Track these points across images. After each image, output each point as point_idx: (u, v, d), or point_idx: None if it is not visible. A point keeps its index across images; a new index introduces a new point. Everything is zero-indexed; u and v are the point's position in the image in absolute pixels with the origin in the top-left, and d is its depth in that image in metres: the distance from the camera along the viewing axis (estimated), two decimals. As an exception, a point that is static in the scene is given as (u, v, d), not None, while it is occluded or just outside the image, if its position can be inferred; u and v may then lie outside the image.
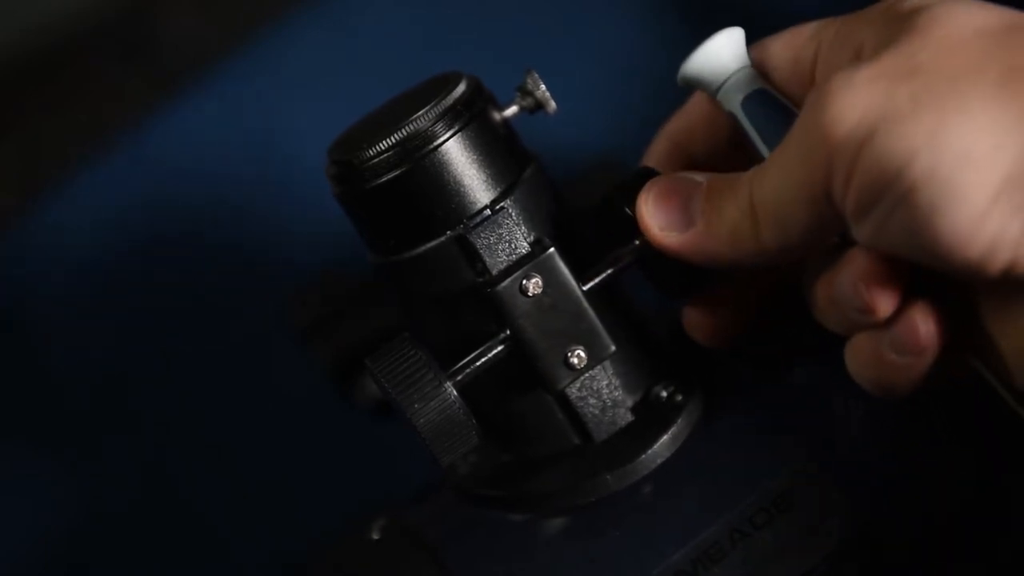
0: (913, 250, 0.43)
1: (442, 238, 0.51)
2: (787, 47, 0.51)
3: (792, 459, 0.51)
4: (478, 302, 0.51)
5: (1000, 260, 0.42)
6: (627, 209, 0.52)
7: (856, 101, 0.42)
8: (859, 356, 0.47)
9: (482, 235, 0.51)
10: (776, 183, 0.46)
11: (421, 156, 0.51)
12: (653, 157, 0.55)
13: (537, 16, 0.85)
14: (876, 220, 0.43)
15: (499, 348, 0.51)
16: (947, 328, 0.46)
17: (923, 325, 0.46)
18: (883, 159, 0.42)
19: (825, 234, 0.46)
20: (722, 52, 0.50)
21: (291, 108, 0.84)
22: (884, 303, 0.46)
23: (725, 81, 0.50)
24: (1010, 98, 0.41)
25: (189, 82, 0.85)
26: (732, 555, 0.50)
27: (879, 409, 0.52)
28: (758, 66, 0.51)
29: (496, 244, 0.51)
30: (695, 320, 0.54)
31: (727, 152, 0.53)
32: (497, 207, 0.51)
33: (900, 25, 0.45)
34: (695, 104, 0.54)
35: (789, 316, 0.53)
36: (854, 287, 0.46)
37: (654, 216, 0.50)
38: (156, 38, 0.93)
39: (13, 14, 0.96)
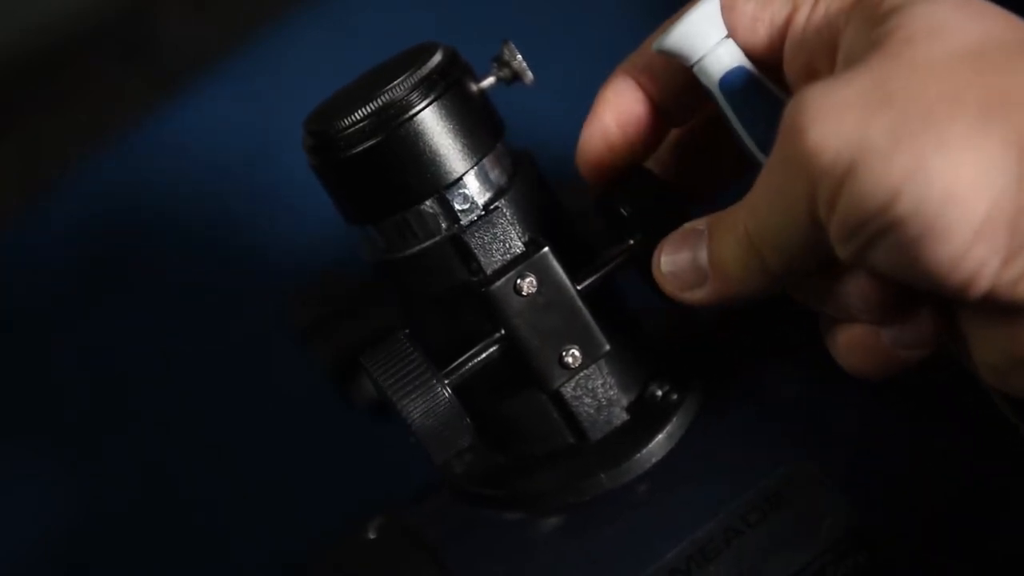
0: (895, 272, 0.44)
1: (437, 238, 0.51)
2: (760, 8, 0.50)
3: (787, 457, 0.51)
4: (474, 302, 0.51)
5: (979, 288, 0.42)
6: (622, 209, 0.52)
7: (833, 131, 0.42)
8: (854, 346, 0.48)
9: (476, 235, 0.51)
10: (766, 213, 0.46)
11: (397, 125, 0.50)
12: (609, 93, 0.54)
13: (537, 16, 0.85)
14: (858, 247, 0.43)
15: (494, 348, 0.51)
16: (946, 322, 0.47)
17: (933, 322, 0.47)
18: (866, 195, 0.42)
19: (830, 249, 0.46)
20: (701, 25, 0.49)
21: (291, 108, 0.84)
22: (895, 312, 0.46)
23: (703, 56, 0.50)
24: (988, 133, 0.41)
25: (189, 82, 0.86)
26: (726, 553, 0.50)
27: (874, 408, 0.52)
28: (728, 24, 0.50)
29: (490, 244, 0.51)
30: None
31: (683, 96, 0.53)
32: (491, 206, 0.51)
33: (876, 31, 0.44)
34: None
35: (783, 315, 0.53)
36: (864, 298, 0.46)
37: (671, 282, 0.50)
38: (156, 38, 0.93)
39: (13, 14, 0.96)
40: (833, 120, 0.42)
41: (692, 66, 0.50)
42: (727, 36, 0.50)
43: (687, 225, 0.50)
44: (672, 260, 0.50)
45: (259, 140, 0.84)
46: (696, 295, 0.49)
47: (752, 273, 0.47)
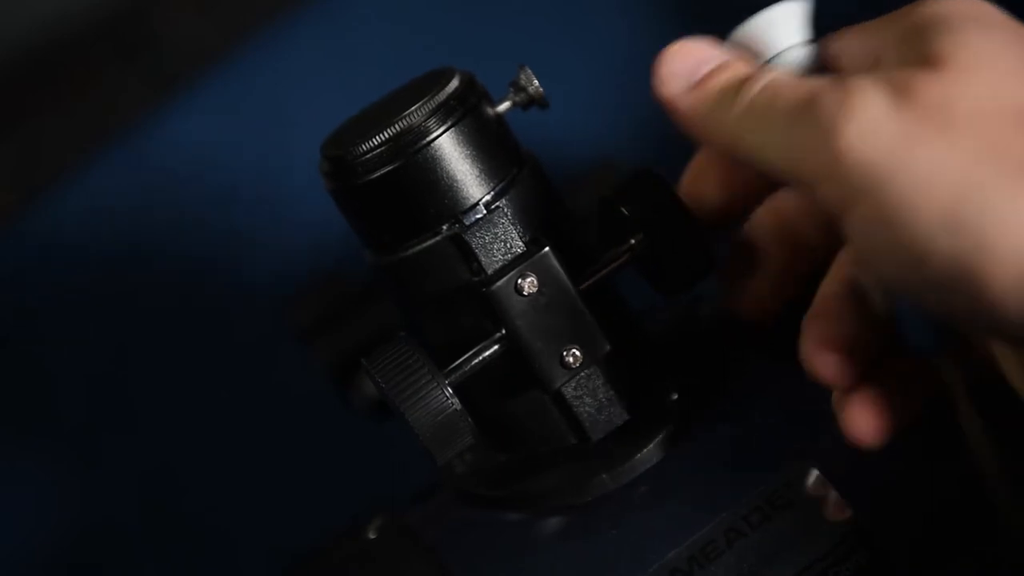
0: (942, 312, 0.42)
1: (438, 238, 0.51)
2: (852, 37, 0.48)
3: (788, 458, 0.51)
4: (475, 302, 0.51)
5: None
6: (624, 210, 0.52)
7: (882, 135, 0.41)
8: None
9: (478, 234, 0.51)
10: (768, 136, 0.45)
11: (414, 151, 0.51)
12: (755, 229, 0.54)
13: (537, 16, 0.86)
14: (919, 283, 0.42)
15: (495, 347, 0.51)
16: (899, 417, 0.48)
17: (861, 422, 0.48)
18: (960, 236, 0.40)
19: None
20: (783, 20, 0.48)
21: (291, 108, 0.85)
22: (835, 377, 0.47)
23: (781, 52, 0.48)
24: None
25: (189, 82, 0.86)
26: (728, 554, 0.50)
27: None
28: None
29: (492, 243, 0.51)
30: (736, 291, 0.53)
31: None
32: (492, 206, 0.51)
33: (924, 45, 0.43)
34: None
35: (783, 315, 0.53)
36: (807, 357, 0.48)
37: (667, 62, 0.49)
38: (156, 38, 0.93)
39: (13, 14, 0.96)
40: (883, 126, 0.41)
41: (768, 62, 0.49)
42: (811, 41, 0.49)
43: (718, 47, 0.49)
44: (682, 50, 0.49)
45: (259, 140, 0.84)
46: (665, 89, 0.49)
47: (714, 133, 0.47)
